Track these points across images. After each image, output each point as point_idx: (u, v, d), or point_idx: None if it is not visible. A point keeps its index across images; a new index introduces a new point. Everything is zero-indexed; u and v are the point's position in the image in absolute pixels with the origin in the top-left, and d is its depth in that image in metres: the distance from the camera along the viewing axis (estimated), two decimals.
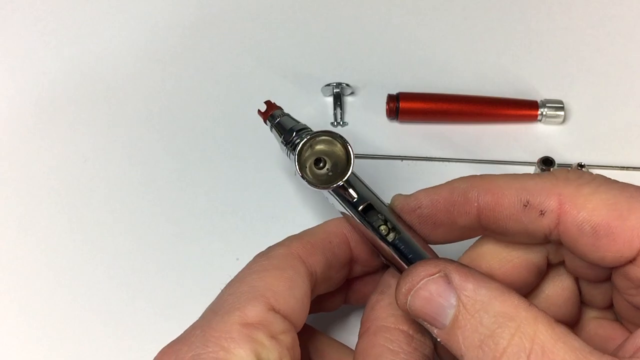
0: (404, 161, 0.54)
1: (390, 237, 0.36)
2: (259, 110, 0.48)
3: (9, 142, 0.55)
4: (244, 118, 0.57)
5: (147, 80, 0.59)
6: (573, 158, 0.52)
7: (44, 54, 0.61)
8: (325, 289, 0.38)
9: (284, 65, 0.60)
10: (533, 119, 0.55)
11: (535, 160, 0.49)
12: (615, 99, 0.57)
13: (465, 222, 0.36)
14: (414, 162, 0.54)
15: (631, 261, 0.32)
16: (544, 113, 0.55)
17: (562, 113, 0.55)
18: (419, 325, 0.33)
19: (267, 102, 0.48)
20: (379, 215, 0.37)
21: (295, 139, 0.43)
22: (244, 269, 0.35)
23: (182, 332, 0.33)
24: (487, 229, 0.35)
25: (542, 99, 0.55)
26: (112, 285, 0.48)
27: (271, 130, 0.47)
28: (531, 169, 0.50)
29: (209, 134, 0.56)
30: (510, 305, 0.30)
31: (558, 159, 0.49)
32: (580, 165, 0.51)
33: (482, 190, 0.35)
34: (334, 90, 0.57)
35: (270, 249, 0.36)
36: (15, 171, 0.54)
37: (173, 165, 0.54)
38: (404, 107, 0.55)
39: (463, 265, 0.31)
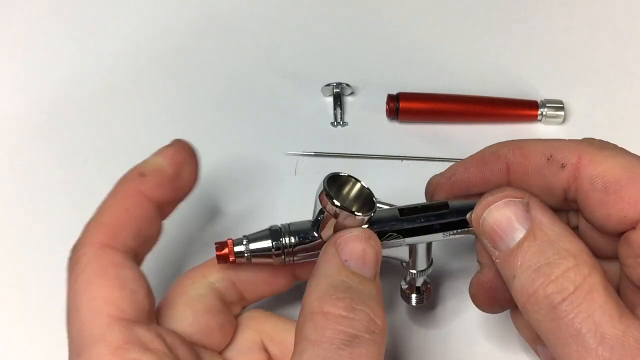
0: (403, 161, 0.54)
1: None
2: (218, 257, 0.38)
3: (8, 142, 0.55)
4: (244, 118, 0.57)
5: (147, 80, 0.59)
6: None
7: (44, 54, 0.61)
8: (151, 246, 0.37)
9: (284, 66, 0.60)
10: (533, 119, 0.55)
11: None
12: (615, 99, 0.57)
13: (496, 181, 0.37)
14: (414, 162, 0.54)
15: (634, 227, 0.33)
16: (544, 113, 0.55)
17: (562, 113, 0.55)
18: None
19: (218, 245, 0.38)
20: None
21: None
22: (69, 290, 0.33)
23: None
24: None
25: (542, 99, 0.55)
26: None
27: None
28: None
29: (209, 134, 0.56)
30: (575, 246, 0.32)
31: None
32: None
33: (512, 148, 0.37)
34: (334, 90, 0.57)
35: (77, 253, 0.34)
36: (15, 171, 0.54)
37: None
38: (404, 107, 0.55)
39: (542, 202, 0.34)
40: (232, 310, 0.39)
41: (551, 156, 0.36)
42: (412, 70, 0.59)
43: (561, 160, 0.35)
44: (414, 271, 0.40)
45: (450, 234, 0.38)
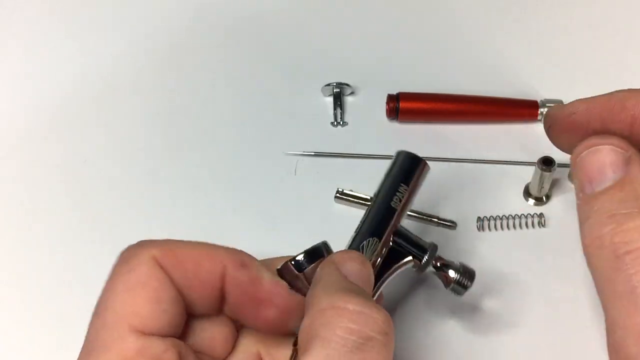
0: None
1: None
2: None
3: (8, 142, 0.55)
4: (244, 118, 0.57)
5: (146, 80, 0.59)
6: None
7: (44, 54, 0.61)
8: (193, 312, 0.35)
9: (284, 65, 0.60)
10: (533, 118, 0.55)
11: (535, 160, 0.49)
12: None
13: (618, 130, 0.35)
14: None
15: None
16: (544, 113, 0.55)
17: None
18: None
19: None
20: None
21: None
22: (108, 284, 0.33)
23: None
24: (638, 142, 0.35)
25: (542, 98, 0.55)
26: None
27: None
28: (531, 169, 0.50)
29: (208, 134, 0.56)
30: None
31: (558, 159, 0.49)
32: None
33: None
34: (334, 90, 0.57)
35: (131, 253, 0.34)
36: (15, 171, 0.54)
37: (173, 166, 0.54)
38: (404, 107, 0.55)
39: None
40: (237, 325, 0.38)
41: None
42: (412, 70, 0.59)
43: None
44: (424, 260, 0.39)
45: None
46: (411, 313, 0.46)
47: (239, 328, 0.38)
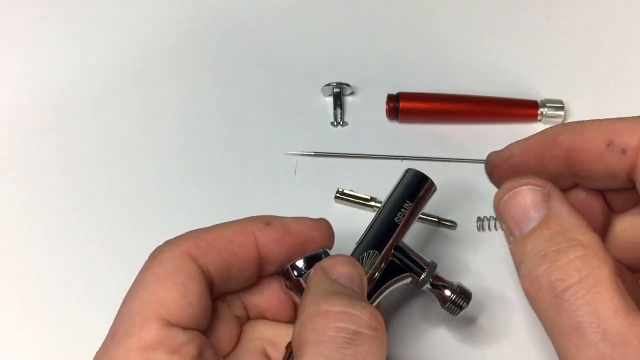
0: (403, 161, 0.54)
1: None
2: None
3: (8, 142, 0.55)
4: (244, 119, 0.57)
5: (146, 80, 0.59)
6: None
7: (44, 54, 0.61)
8: (233, 287, 0.37)
9: (284, 65, 0.60)
10: (533, 118, 0.55)
11: None
12: (614, 98, 0.57)
13: (554, 167, 0.36)
14: (414, 162, 0.53)
15: None
16: (544, 113, 0.55)
17: (562, 113, 0.55)
18: None
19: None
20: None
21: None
22: (138, 276, 0.34)
23: None
24: (574, 175, 0.36)
25: (542, 98, 0.55)
26: (113, 285, 0.48)
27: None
28: None
29: (208, 134, 0.56)
30: (588, 238, 0.31)
31: None
32: None
33: (571, 133, 0.36)
34: (334, 90, 0.57)
35: (161, 249, 0.35)
36: (15, 171, 0.54)
37: (172, 167, 0.54)
38: (403, 106, 0.55)
39: (564, 195, 0.33)
40: (240, 320, 0.39)
41: (611, 142, 0.34)
42: (412, 70, 0.59)
43: (621, 145, 0.34)
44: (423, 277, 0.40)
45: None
46: (406, 322, 0.46)
47: (243, 323, 0.39)
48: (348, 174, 0.53)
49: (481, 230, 0.49)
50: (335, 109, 0.56)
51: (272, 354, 0.38)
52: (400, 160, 0.54)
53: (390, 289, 0.39)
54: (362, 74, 0.59)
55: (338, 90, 0.57)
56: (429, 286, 0.40)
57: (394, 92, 0.55)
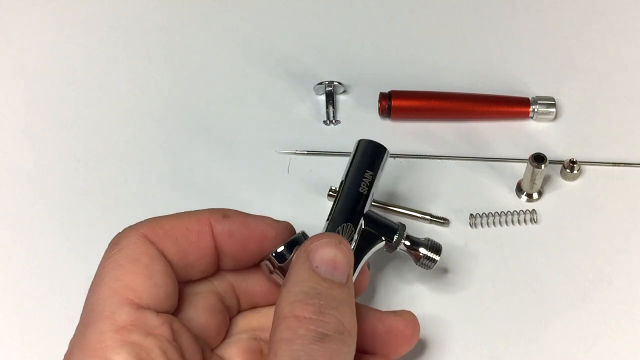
0: (396, 159, 0.54)
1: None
2: None
3: (0, 141, 0.55)
4: (236, 118, 0.57)
5: (139, 80, 0.59)
6: (565, 154, 0.52)
7: (37, 53, 0.61)
8: (193, 276, 0.38)
9: (276, 64, 0.60)
10: (525, 116, 0.55)
11: (527, 156, 0.49)
12: (606, 95, 0.57)
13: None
14: (407, 159, 0.54)
15: None
16: (536, 110, 0.55)
17: (553, 110, 0.55)
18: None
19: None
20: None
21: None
22: (100, 263, 0.35)
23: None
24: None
25: (534, 96, 0.55)
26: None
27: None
28: (523, 166, 0.50)
29: (202, 133, 0.56)
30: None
31: (550, 156, 0.49)
32: (572, 162, 0.51)
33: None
34: (326, 89, 0.57)
35: (120, 235, 0.36)
36: (7, 170, 0.54)
37: (165, 166, 0.54)
38: (396, 105, 0.55)
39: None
40: (230, 313, 0.40)
41: None
42: (404, 68, 0.59)
43: None
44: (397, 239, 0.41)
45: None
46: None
47: (232, 317, 0.39)
48: (340, 173, 0.53)
49: (474, 227, 0.50)
50: (327, 107, 0.56)
51: (261, 344, 0.39)
52: (393, 158, 0.54)
53: (367, 256, 0.41)
54: (355, 72, 0.59)
55: (330, 88, 0.57)
56: (402, 247, 0.42)
57: (386, 90, 0.55)
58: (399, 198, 0.51)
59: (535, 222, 0.50)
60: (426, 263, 0.42)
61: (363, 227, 0.40)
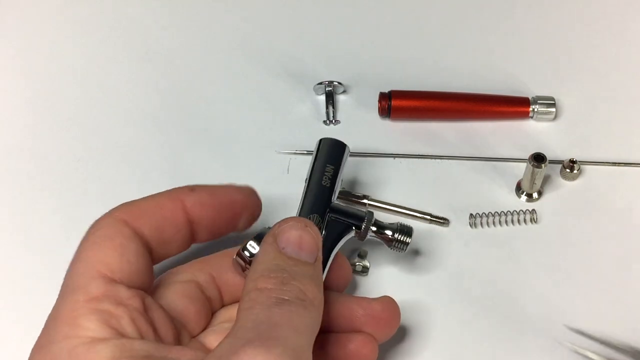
0: (396, 159, 0.54)
1: None
2: None
3: (2, 141, 0.55)
4: (236, 118, 0.57)
5: (139, 79, 0.59)
6: (565, 154, 0.52)
7: (36, 53, 0.61)
8: (171, 252, 0.40)
9: (276, 65, 0.60)
10: (525, 115, 0.55)
11: (527, 156, 0.49)
12: (606, 95, 0.57)
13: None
14: (406, 159, 0.54)
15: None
16: (536, 110, 0.55)
17: (553, 110, 0.55)
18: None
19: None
20: None
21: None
22: (79, 245, 0.37)
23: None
24: None
25: (534, 95, 0.55)
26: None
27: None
28: (523, 166, 0.50)
29: (201, 133, 0.56)
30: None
31: (550, 155, 0.49)
32: (572, 162, 0.51)
33: None
34: (326, 89, 0.57)
35: (98, 219, 0.38)
36: (7, 170, 0.54)
37: (164, 165, 0.54)
38: (396, 104, 0.55)
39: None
40: (212, 305, 0.41)
41: None
42: (404, 68, 0.59)
43: None
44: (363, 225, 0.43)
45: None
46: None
47: (215, 310, 0.41)
48: (342, 173, 0.53)
49: (473, 227, 0.50)
50: (327, 107, 0.56)
51: None
52: (392, 158, 0.54)
53: (339, 246, 0.42)
54: (354, 72, 0.59)
55: (330, 88, 0.57)
56: (372, 234, 0.43)
57: (386, 89, 0.55)
58: (398, 198, 0.51)
59: (535, 222, 0.50)
60: (398, 246, 0.44)
61: (330, 217, 0.42)
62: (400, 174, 0.53)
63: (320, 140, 0.46)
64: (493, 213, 0.50)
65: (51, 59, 0.61)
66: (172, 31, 0.63)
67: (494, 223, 0.50)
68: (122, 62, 0.60)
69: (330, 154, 0.45)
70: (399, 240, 0.44)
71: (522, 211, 0.50)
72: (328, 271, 0.41)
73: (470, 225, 0.50)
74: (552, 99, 0.55)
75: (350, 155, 0.54)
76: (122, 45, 0.61)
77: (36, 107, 0.57)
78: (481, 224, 0.50)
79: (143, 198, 0.39)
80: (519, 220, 0.50)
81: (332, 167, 0.44)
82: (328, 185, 0.43)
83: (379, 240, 0.44)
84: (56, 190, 0.53)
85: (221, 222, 0.41)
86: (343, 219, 0.43)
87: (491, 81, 0.58)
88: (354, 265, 0.47)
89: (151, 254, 0.38)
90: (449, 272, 0.48)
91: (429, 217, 0.50)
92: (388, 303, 0.41)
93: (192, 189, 0.40)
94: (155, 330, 0.35)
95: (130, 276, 0.36)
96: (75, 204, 0.52)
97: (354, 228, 0.43)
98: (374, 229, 0.43)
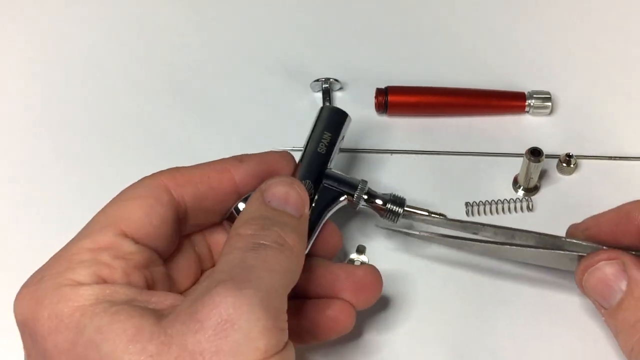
0: (393, 155, 0.54)
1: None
2: None
3: (4, 139, 0.55)
4: (233, 115, 0.57)
5: (137, 78, 0.59)
6: (561, 149, 0.53)
7: (34, 53, 0.61)
8: (205, 221, 0.40)
9: (273, 62, 0.60)
10: (521, 110, 0.55)
11: (524, 151, 0.49)
12: (601, 89, 0.57)
13: (628, 241, 0.39)
14: (403, 155, 0.54)
15: None
16: (532, 104, 0.55)
17: (549, 104, 0.55)
18: None
19: None
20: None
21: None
22: (113, 197, 0.37)
23: None
24: None
25: (530, 90, 0.56)
26: None
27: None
28: (519, 160, 0.50)
29: (198, 131, 0.56)
30: None
31: (546, 150, 0.50)
32: (569, 156, 0.51)
33: None
34: (323, 86, 0.57)
35: (141, 179, 0.38)
36: (6, 169, 0.54)
37: (162, 164, 0.54)
38: (392, 100, 0.55)
39: (638, 259, 0.36)
40: (202, 263, 0.41)
41: None
42: (401, 64, 0.59)
43: None
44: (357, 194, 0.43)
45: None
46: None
47: (206, 267, 0.41)
48: (337, 168, 0.53)
49: (470, 216, 0.50)
50: (324, 104, 0.56)
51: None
52: (389, 154, 0.54)
53: (331, 212, 0.43)
54: (351, 69, 0.59)
55: (327, 85, 0.57)
56: (365, 203, 0.44)
57: (383, 86, 0.56)
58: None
59: (530, 210, 0.50)
60: (390, 216, 0.44)
61: (323, 184, 0.43)
62: (397, 169, 0.53)
63: (322, 107, 0.46)
64: (490, 201, 0.50)
65: (51, 59, 0.61)
66: (170, 31, 0.63)
67: (490, 211, 0.50)
68: (121, 62, 0.60)
69: (330, 121, 0.45)
70: (391, 211, 0.44)
71: (519, 199, 0.50)
72: (318, 238, 0.42)
73: (467, 214, 0.50)
74: (548, 93, 0.55)
75: (348, 152, 0.54)
76: (120, 45, 0.62)
77: (34, 106, 0.58)
78: (477, 212, 0.50)
79: (191, 166, 0.39)
80: (515, 208, 0.50)
81: (330, 134, 0.44)
82: (324, 152, 0.43)
83: (370, 209, 0.44)
84: (54, 189, 0.53)
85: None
86: (336, 186, 0.43)
87: (487, 76, 0.58)
88: (352, 261, 0.47)
89: (185, 222, 0.38)
90: (446, 266, 0.48)
91: (426, 213, 0.50)
92: (370, 269, 0.41)
93: (241, 159, 0.40)
94: (149, 287, 0.35)
95: (147, 237, 0.36)
96: (74, 204, 0.52)
97: (346, 196, 0.43)
98: (365, 197, 0.43)
